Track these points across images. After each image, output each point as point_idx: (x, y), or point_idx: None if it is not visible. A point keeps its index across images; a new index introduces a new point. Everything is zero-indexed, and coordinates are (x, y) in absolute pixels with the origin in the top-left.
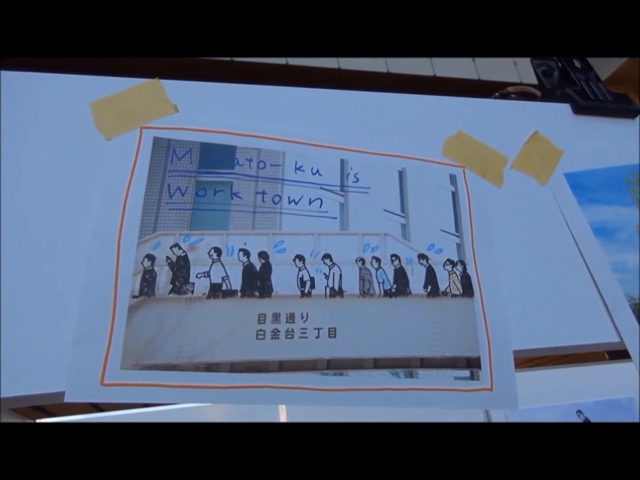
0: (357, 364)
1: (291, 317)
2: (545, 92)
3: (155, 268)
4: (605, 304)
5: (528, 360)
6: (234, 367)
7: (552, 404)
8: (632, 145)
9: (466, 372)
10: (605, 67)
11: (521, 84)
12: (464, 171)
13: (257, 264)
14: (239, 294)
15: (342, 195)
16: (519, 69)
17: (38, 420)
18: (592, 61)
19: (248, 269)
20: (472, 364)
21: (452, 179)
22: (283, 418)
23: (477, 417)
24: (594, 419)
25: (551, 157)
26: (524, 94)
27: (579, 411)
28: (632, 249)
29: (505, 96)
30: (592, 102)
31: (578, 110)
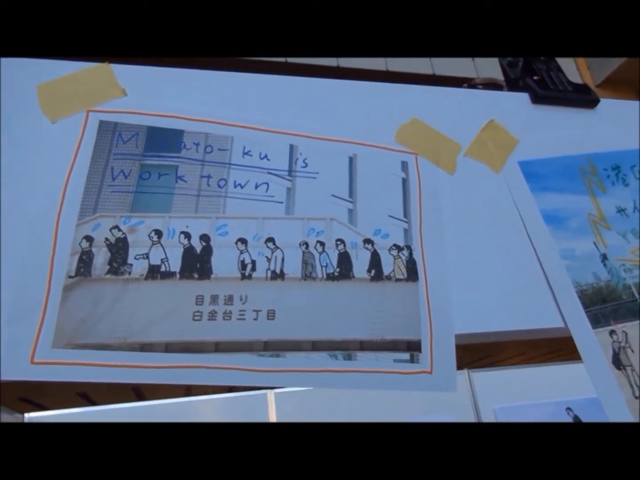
0: (295, 346)
1: (230, 299)
2: (510, 82)
3: (93, 249)
4: (552, 290)
5: (528, 360)
6: (169, 347)
7: (543, 401)
8: (589, 135)
9: (406, 355)
10: (604, 67)
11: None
12: (416, 158)
13: (198, 246)
14: (178, 275)
15: (290, 180)
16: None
17: (27, 415)
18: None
19: (188, 252)
20: (413, 347)
21: (404, 165)
22: (272, 417)
23: (468, 417)
24: (583, 416)
25: (506, 146)
26: (492, 85)
27: (568, 408)
28: (583, 236)
29: (473, 87)
30: (550, 91)
31: (536, 99)
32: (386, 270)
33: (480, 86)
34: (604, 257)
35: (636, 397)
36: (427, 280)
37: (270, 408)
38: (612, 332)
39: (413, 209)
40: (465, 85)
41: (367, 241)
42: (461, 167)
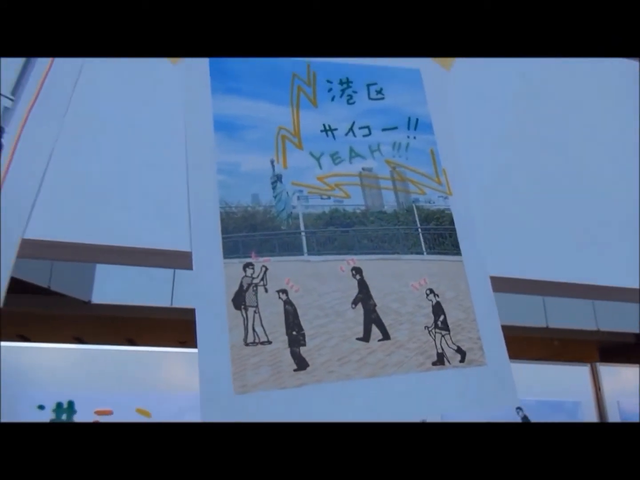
0: None
1: None
2: None
3: None
4: (189, 208)
5: None
6: None
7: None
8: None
9: None
10: None
11: None
12: None
13: None
14: None
15: None
16: None
17: None
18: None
19: None
20: None
21: None
22: None
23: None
24: (533, 416)
25: None
26: None
27: (519, 408)
28: (258, 151)
29: None
30: None
31: None
32: None
33: None
34: (278, 179)
35: (247, 344)
36: (9, 171)
37: None
38: (247, 265)
39: (29, 87)
40: None
41: None
42: None
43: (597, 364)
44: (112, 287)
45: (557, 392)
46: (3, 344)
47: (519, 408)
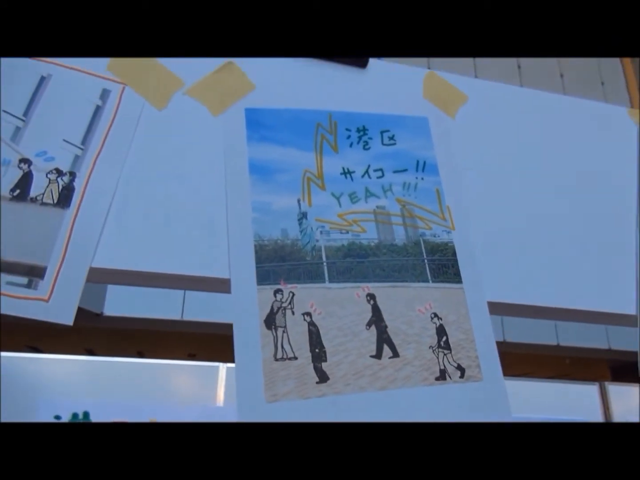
0: None
1: None
2: None
3: None
4: (228, 241)
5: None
6: None
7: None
8: (339, 92)
9: (23, 279)
10: None
11: None
12: (123, 88)
13: None
14: None
15: None
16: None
17: None
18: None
19: None
20: (35, 273)
21: (105, 93)
22: (221, 390)
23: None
24: None
25: (237, 90)
26: None
27: None
28: (287, 192)
29: None
30: None
31: None
32: (34, 192)
33: None
34: (303, 216)
35: (277, 359)
36: (80, 210)
37: (220, 382)
38: (277, 291)
39: (96, 138)
40: None
41: (24, 161)
42: (178, 105)
43: (606, 383)
44: (124, 300)
45: (566, 411)
46: (16, 354)
47: None
